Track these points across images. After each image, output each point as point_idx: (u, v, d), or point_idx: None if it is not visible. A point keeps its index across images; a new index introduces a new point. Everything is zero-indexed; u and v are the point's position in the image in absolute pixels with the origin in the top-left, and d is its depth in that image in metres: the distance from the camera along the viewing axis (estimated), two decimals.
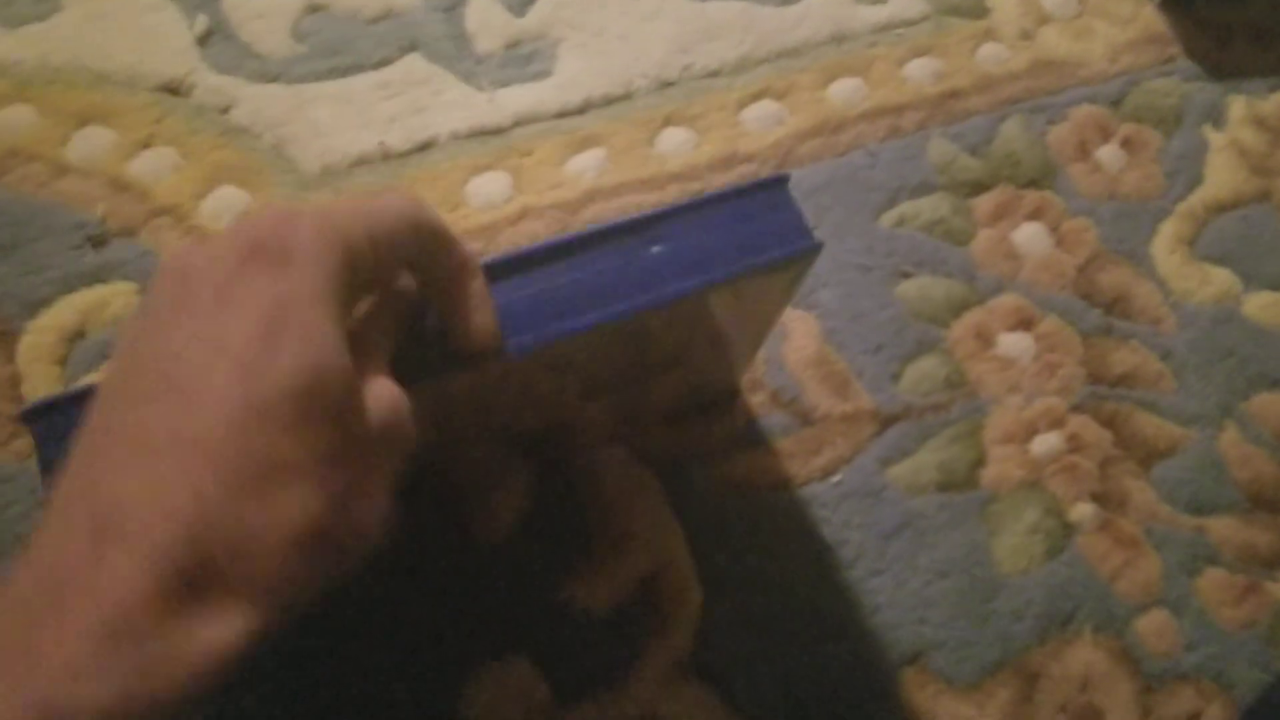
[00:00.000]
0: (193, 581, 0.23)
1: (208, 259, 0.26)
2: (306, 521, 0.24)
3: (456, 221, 0.58)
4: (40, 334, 0.53)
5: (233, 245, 0.26)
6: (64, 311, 0.54)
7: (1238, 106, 0.67)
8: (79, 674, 0.21)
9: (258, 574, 0.24)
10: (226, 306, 0.25)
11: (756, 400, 0.54)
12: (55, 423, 0.30)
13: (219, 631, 0.23)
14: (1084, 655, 0.49)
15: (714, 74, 0.65)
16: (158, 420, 0.24)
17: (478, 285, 0.32)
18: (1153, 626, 0.50)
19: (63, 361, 0.53)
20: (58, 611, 0.22)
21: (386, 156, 0.60)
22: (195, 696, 0.22)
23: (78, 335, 0.53)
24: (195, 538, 0.23)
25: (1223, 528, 0.53)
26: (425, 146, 0.61)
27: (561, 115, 0.63)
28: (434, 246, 0.31)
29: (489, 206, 0.59)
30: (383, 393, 0.28)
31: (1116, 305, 0.58)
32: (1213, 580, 0.51)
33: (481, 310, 0.32)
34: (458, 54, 0.64)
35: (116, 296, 0.54)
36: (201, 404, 0.24)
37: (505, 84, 0.64)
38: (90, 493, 0.23)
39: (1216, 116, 0.66)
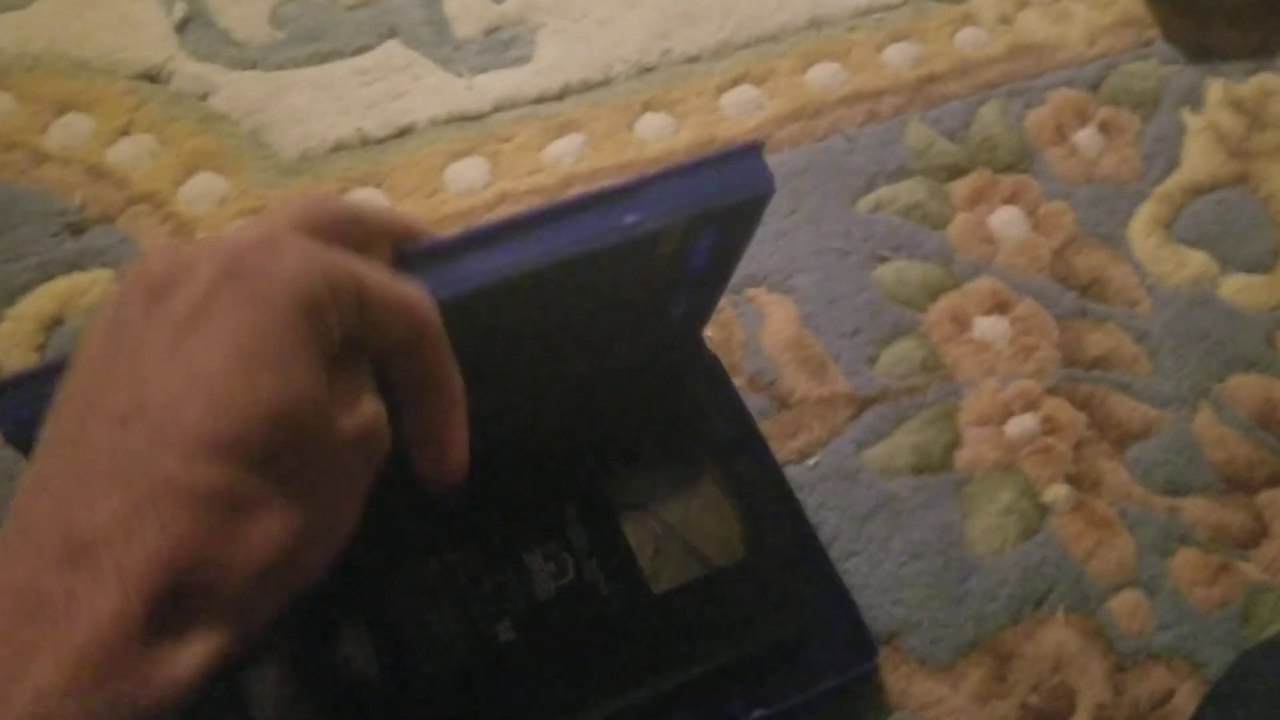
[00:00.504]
0: (163, 612, 0.23)
1: (185, 271, 0.25)
2: (274, 552, 0.25)
3: (435, 207, 0.58)
4: (18, 321, 0.53)
5: (212, 260, 0.25)
6: (42, 299, 0.54)
7: (1215, 89, 0.67)
8: (50, 707, 0.21)
9: (226, 602, 0.24)
10: (200, 328, 0.24)
11: (735, 384, 0.54)
12: (15, 402, 0.30)
13: (187, 658, 0.23)
14: (1057, 635, 0.49)
15: (693, 59, 0.65)
16: (130, 448, 0.24)
17: (460, 416, 0.31)
18: (1125, 606, 0.50)
19: (41, 349, 0.53)
20: (29, 642, 0.22)
21: (365, 142, 0.60)
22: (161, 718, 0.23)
23: (56, 322, 0.54)
24: (166, 571, 0.23)
25: (1196, 508, 0.53)
26: (404, 132, 0.61)
27: (540, 101, 0.63)
28: (431, 356, 0.30)
29: (467, 192, 0.59)
30: (359, 408, 0.27)
31: (1092, 288, 0.59)
32: (1186, 560, 0.52)
33: (457, 446, 0.31)
34: (437, 40, 0.64)
35: (95, 284, 0.55)
36: (174, 436, 0.23)
37: (484, 70, 0.64)
38: (61, 518, 0.23)
39: (1194, 99, 0.66)
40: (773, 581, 0.46)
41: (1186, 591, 0.51)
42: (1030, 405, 0.55)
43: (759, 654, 0.44)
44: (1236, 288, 0.60)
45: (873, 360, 0.56)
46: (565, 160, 0.61)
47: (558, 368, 0.48)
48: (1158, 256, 0.60)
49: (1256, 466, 0.54)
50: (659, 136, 0.62)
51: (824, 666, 0.45)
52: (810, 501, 0.52)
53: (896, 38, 0.67)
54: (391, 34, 0.64)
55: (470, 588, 0.43)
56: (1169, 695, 0.48)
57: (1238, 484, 0.54)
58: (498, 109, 0.62)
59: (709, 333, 0.55)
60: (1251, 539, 0.53)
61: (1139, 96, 0.66)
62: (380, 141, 0.60)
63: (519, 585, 0.43)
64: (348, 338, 0.27)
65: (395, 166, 0.59)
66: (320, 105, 0.61)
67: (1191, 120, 0.65)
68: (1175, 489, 0.53)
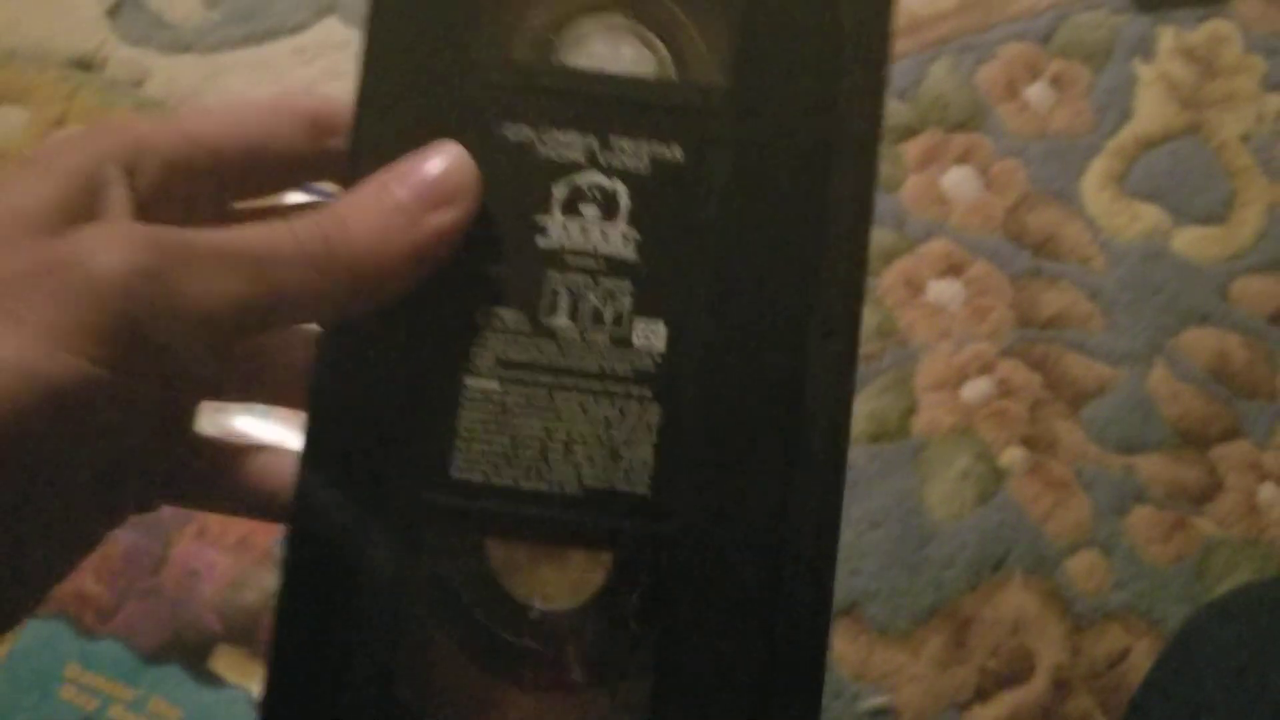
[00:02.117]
0: None
1: None
2: None
3: None
4: None
5: None
6: None
7: (1167, 38, 0.66)
8: None
9: None
10: None
11: None
12: None
13: None
14: (1015, 598, 0.50)
15: None
16: None
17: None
18: (1083, 566, 0.51)
19: None
20: None
21: None
22: None
23: None
24: None
25: (1151, 465, 0.53)
26: None
27: None
28: None
29: None
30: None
31: (1046, 246, 0.58)
32: (1142, 518, 0.52)
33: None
34: None
35: None
36: None
37: None
38: None
39: (1146, 49, 0.66)
40: None
41: (1143, 549, 0.51)
42: (985, 368, 0.55)
43: None
44: (1190, 240, 0.60)
45: None
46: None
47: None
48: (1111, 211, 0.60)
49: (1210, 421, 0.55)
50: None
51: None
52: None
53: None
54: (329, 10, 0.63)
55: None
56: (1125, 653, 0.49)
57: (1192, 439, 0.54)
58: None
59: None
60: (1206, 494, 0.53)
61: (1090, 48, 0.65)
62: None
63: None
64: None
65: None
66: (257, 86, 0.60)
67: (1143, 70, 0.65)
68: (1130, 446, 0.54)
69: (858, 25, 0.22)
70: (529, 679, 0.21)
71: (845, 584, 0.49)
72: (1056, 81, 0.64)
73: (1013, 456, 0.53)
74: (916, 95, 0.62)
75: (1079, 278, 0.58)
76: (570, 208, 0.21)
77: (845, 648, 0.48)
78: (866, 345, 0.55)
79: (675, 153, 0.21)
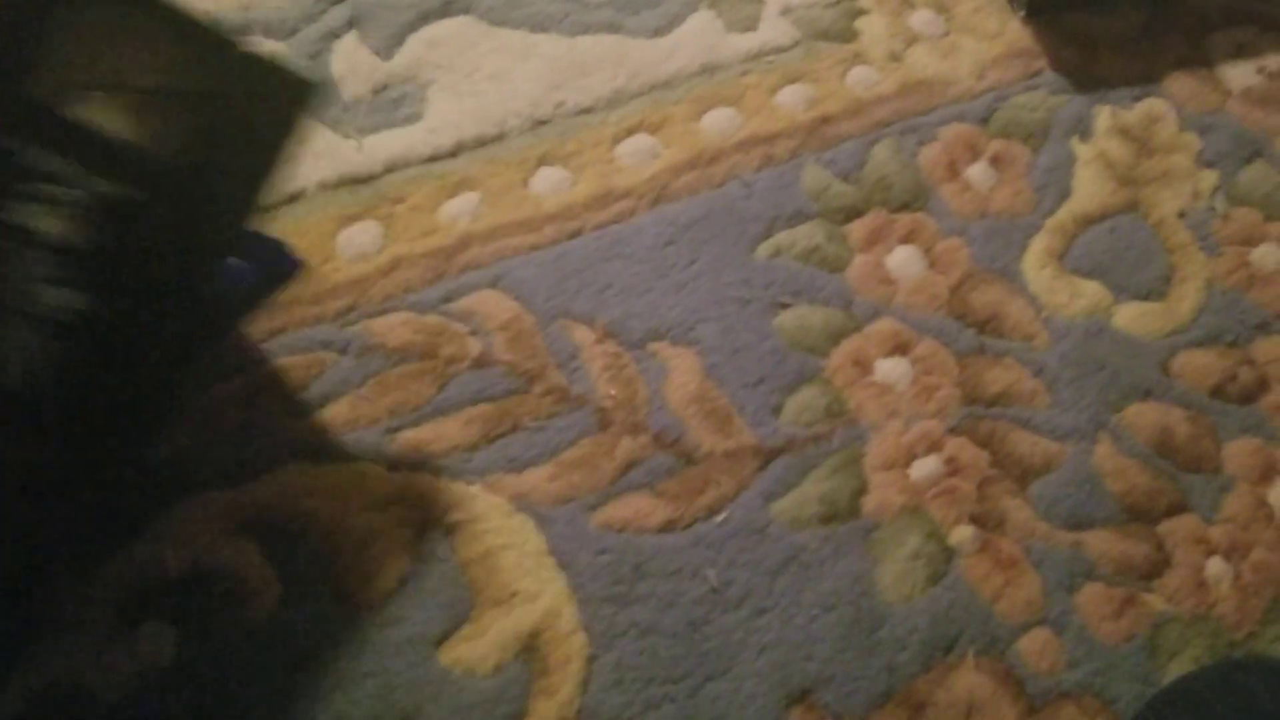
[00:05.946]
0: None
1: None
2: None
3: (327, 275, 0.57)
4: None
5: None
6: None
7: (1103, 117, 0.68)
8: None
9: None
10: None
11: (639, 443, 0.54)
12: None
13: None
14: (968, 680, 0.50)
15: (587, 110, 0.65)
16: None
17: None
18: (1034, 646, 0.51)
19: None
20: None
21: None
22: None
23: None
24: None
25: (1100, 541, 0.54)
26: (293, 198, 0.60)
27: (433, 159, 0.62)
28: None
29: (360, 258, 0.58)
30: None
31: (990, 324, 0.59)
32: (1092, 595, 0.52)
33: None
34: (324, 100, 0.63)
35: None
36: None
37: (374, 130, 0.63)
38: None
39: (1083, 129, 0.67)
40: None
41: (1094, 627, 0.51)
42: (933, 446, 0.55)
43: None
44: (1130, 316, 0.61)
45: (777, 409, 0.56)
46: (461, 220, 0.60)
47: None
48: (1052, 288, 0.61)
49: (1156, 495, 0.55)
50: (555, 190, 0.62)
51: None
52: (720, 559, 0.51)
53: (789, 80, 0.67)
54: None
55: None
56: None
57: (1139, 514, 0.55)
58: (389, 169, 0.61)
59: (611, 390, 0.55)
60: (1155, 569, 0.53)
61: (1029, 128, 0.67)
62: (268, 208, 0.59)
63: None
64: None
65: (284, 234, 0.58)
66: None
67: (1081, 149, 0.66)
68: (1078, 522, 0.54)
69: None
70: None
71: (800, 669, 0.49)
72: (996, 161, 0.65)
73: (962, 535, 0.53)
74: (861, 177, 0.63)
75: (1023, 355, 0.59)
76: None
77: None
78: (816, 426, 0.55)
79: None
